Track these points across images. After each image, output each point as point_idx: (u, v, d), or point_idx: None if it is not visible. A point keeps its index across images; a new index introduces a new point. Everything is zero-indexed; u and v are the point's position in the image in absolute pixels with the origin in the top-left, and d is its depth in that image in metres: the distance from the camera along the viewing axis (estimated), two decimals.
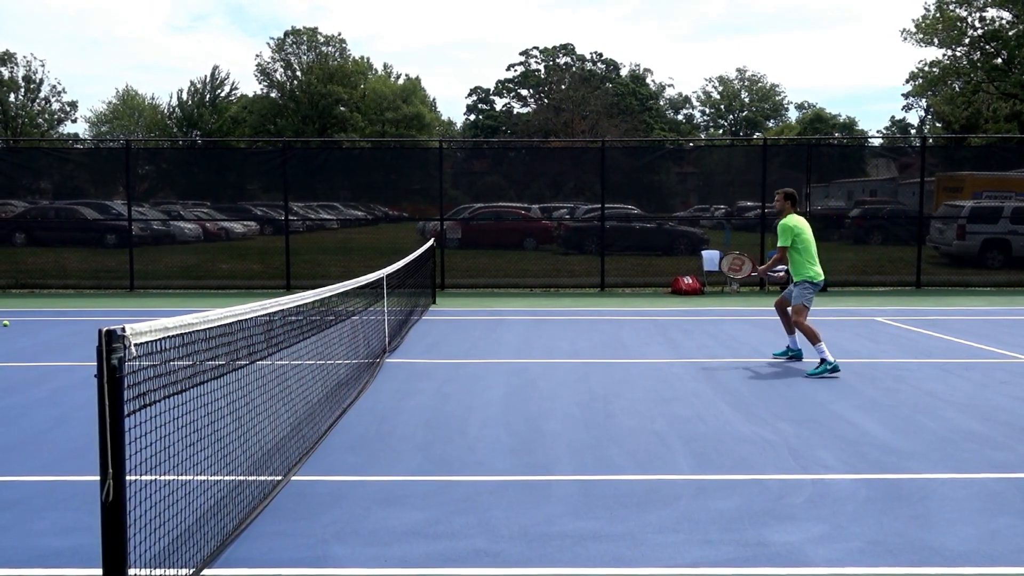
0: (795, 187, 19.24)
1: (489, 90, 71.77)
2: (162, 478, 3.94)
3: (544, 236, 20.30)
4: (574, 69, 68.82)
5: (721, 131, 79.73)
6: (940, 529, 4.66)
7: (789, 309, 9.55)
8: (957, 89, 45.50)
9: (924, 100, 52.66)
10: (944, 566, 4.20)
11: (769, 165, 18.41)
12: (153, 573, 3.67)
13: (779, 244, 9.48)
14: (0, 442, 6.38)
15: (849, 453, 6.09)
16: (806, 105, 79.47)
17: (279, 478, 5.34)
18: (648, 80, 74.92)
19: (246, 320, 4.77)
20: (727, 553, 4.34)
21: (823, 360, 8.98)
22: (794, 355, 9.84)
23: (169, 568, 3.80)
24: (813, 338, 9.09)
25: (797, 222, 9.46)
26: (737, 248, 18.97)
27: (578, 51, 70.92)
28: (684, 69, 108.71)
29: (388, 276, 10.12)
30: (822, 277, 9.48)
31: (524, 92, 70.68)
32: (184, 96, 64.27)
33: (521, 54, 71.58)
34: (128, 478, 3.32)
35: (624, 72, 72.58)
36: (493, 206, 20.32)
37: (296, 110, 60.11)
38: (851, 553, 4.34)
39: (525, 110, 68.50)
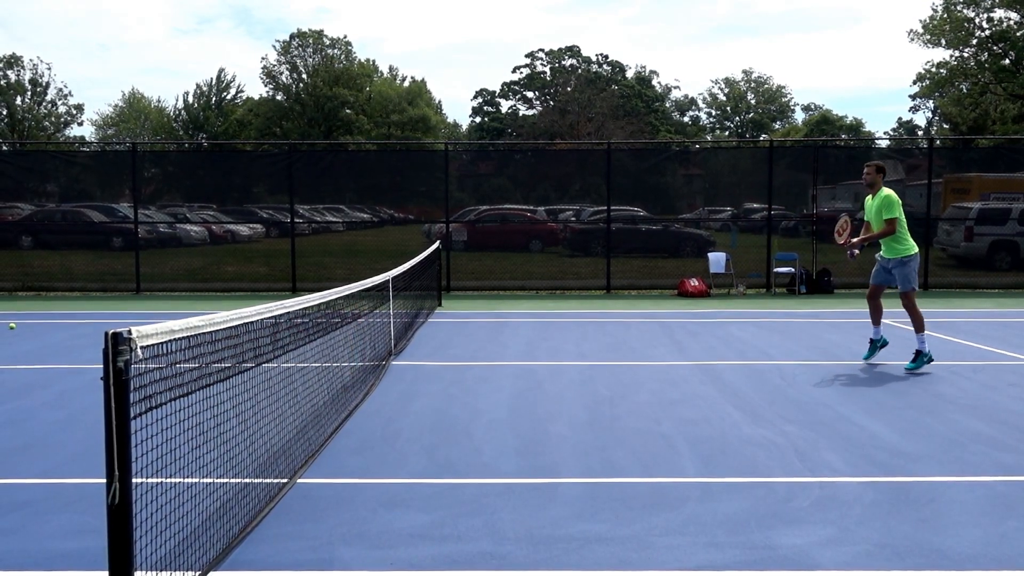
0: (802, 189, 18.74)
1: (495, 92, 71.88)
2: (168, 480, 3.94)
3: (550, 238, 20.29)
4: (580, 71, 68.84)
5: (727, 133, 79.65)
6: (948, 532, 4.64)
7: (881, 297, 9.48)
8: (964, 90, 45.41)
9: (931, 101, 52.59)
10: (952, 569, 4.18)
11: (776, 167, 18.38)
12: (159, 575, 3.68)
13: (893, 215, 9.03)
14: (7, 445, 6.40)
15: (856, 455, 6.07)
16: (813, 107, 79.51)
17: (285, 480, 5.34)
18: (654, 82, 74.96)
19: (252, 323, 4.77)
20: (734, 556, 4.33)
21: (920, 353, 9.05)
22: (883, 345, 9.59)
23: (175, 570, 3.80)
24: (920, 326, 9.03)
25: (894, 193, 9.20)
26: (743, 250, 18.99)
27: (584, 53, 71.04)
28: (690, 71, 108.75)
29: (394, 278, 10.13)
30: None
31: (530, 94, 70.73)
32: (190, 99, 64.55)
33: (527, 56, 71.75)
34: (134, 480, 3.32)
35: (630, 74, 72.60)
36: (499, 208, 20.32)
37: (302, 113, 60.24)
38: (858, 556, 4.32)
39: (531, 112, 68.54)
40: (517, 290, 18.28)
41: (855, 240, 9.49)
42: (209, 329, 4.03)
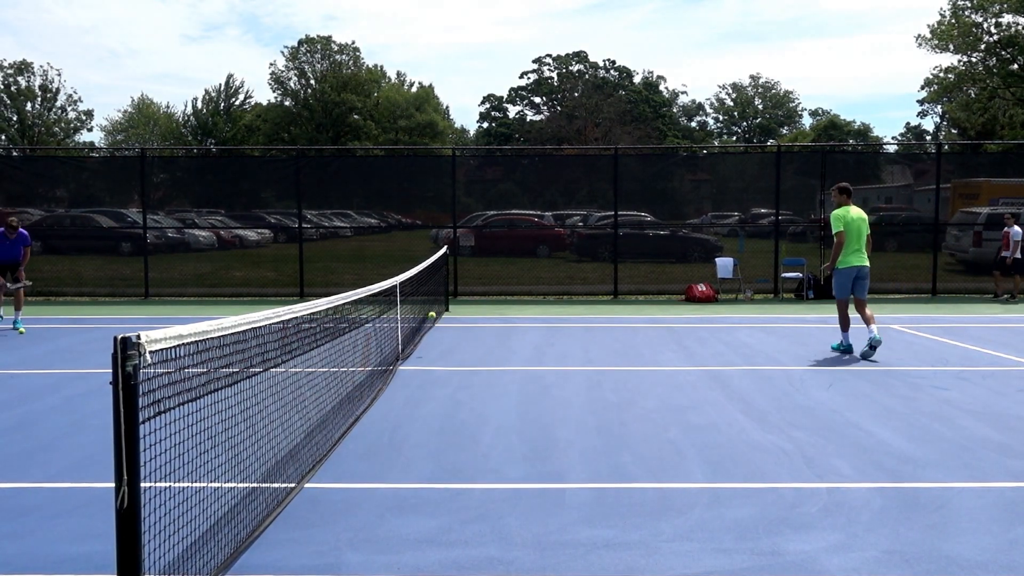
0: (809, 194, 19.13)
1: (502, 98, 71.93)
2: (176, 485, 3.95)
3: (557, 243, 20.30)
4: (587, 77, 68.89)
5: (735, 138, 79.55)
6: (957, 538, 4.61)
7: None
8: (973, 95, 45.32)
9: (939, 106, 52.45)
10: None
11: (783, 172, 18.35)
12: None
13: (833, 232, 10.45)
14: (16, 449, 6.43)
15: (864, 461, 6.05)
16: (820, 112, 79.28)
17: (292, 485, 5.35)
18: (661, 87, 74.91)
19: (260, 328, 4.78)
20: (741, 562, 4.31)
21: (841, 343, 10.66)
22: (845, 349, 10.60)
23: (183, 575, 3.81)
24: (842, 325, 10.64)
25: (845, 212, 10.42)
26: (751, 255, 18.97)
27: (591, 59, 71.02)
28: (697, 76, 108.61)
29: (401, 284, 10.14)
30: (851, 264, 10.40)
31: (537, 100, 70.79)
32: (199, 105, 64.77)
33: (534, 62, 71.80)
34: (143, 485, 3.33)
35: (637, 79, 72.59)
36: (506, 214, 20.35)
37: (310, 118, 60.44)
38: (867, 562, 4.31)
39: (538, 118, 68.59)
40: (524, 295, 18.28)
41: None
42: (217, 334, 4.04)
